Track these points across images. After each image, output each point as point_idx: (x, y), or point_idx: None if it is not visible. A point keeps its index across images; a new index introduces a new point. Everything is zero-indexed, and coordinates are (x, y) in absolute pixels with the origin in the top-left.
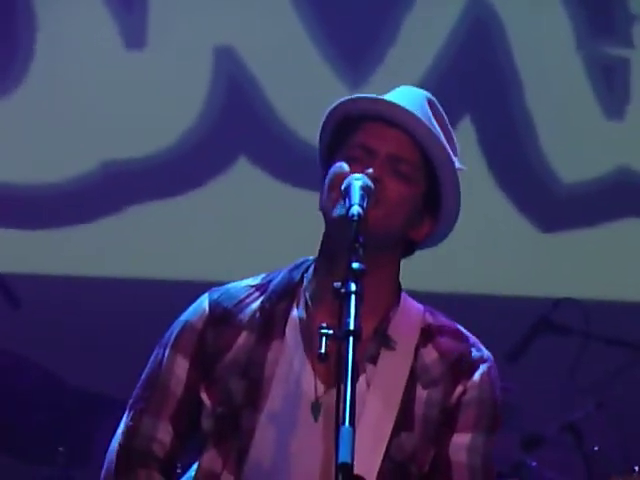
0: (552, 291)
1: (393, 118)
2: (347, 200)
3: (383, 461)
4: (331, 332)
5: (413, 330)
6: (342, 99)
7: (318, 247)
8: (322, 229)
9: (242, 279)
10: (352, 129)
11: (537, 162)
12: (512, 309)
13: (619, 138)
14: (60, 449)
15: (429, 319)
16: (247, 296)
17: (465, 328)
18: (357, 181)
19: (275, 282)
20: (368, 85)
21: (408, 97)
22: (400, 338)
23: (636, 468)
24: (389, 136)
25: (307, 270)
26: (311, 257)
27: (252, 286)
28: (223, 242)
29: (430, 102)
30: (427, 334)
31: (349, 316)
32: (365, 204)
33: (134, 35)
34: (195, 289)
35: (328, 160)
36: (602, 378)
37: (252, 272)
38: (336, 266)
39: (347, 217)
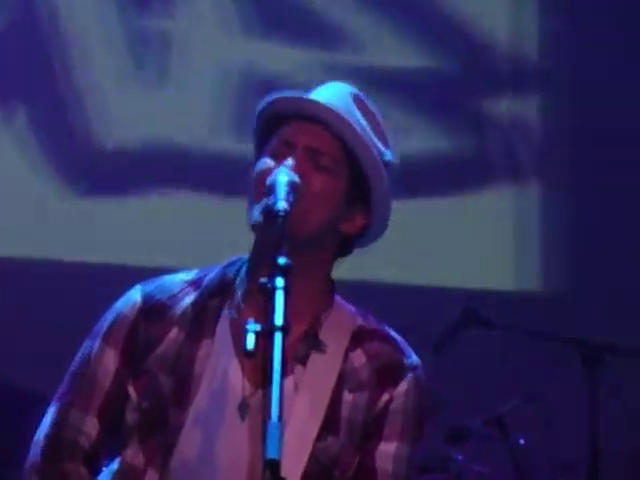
0: None
1: (313, 114)
2: (273, 195)
3: (309, 464)
4: (258, 328)
5: (344, 334)
6: (266, 99)
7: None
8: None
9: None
10: (277, 128)
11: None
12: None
13: (161, 109)
14: None
15: (360, 322)
16: (180, 291)
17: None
18: (283, 176)
19: (209, 279)
20: None
21: (331, 93)
22: (331, 342)
23: None
24: (308, 130)
25: (241, 268)
26: (246, 255)
27: (185, 281)
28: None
29: (355, 97)
30: (357, 338)
31: (276, 311)
32: (291, 199)
33: None
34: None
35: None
36: (528, 371)
37: None
38: (264, 263)
39: (273, 212)
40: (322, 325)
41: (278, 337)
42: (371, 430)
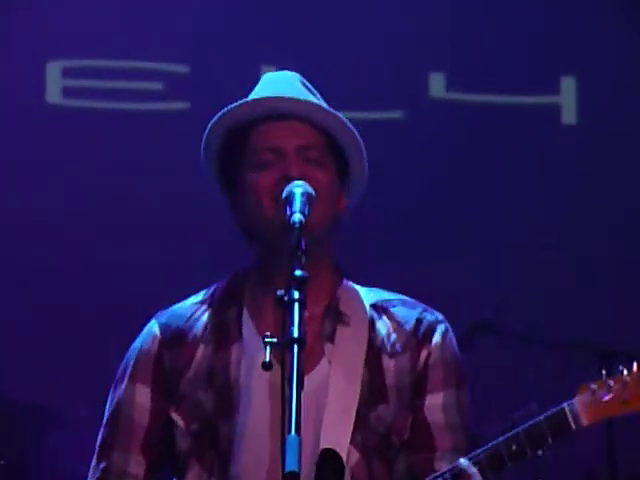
0: None
1: (290, 112)
2: (288, 208)
3: (365, 435)
4: (275, 340)
5: (361, 304)
6: (227, 108)
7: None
8: None
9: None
10: (245, 135)
11: None
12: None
13: None
14: (1, 462)
15: (375, 296)
16: (194, 312)
17: None
18: (298, 188)
19: (219, 293)
20: None
21: (285, 84)
22: (352, 312)
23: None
24: (290, 130)
25: (247, 276)
26: (245, 263)
27: (196, 303)
28: None
29: (302, 82)
30: (379, 308)
31: (293, 324)
32: (307, 210)
33: None
34: None
35: (226, 172)
36: (544, 378)
37: None
38: (278, 274)
39: (289, 224)
40: (340, 299)
41: (295, 350)
42: (417, 388)
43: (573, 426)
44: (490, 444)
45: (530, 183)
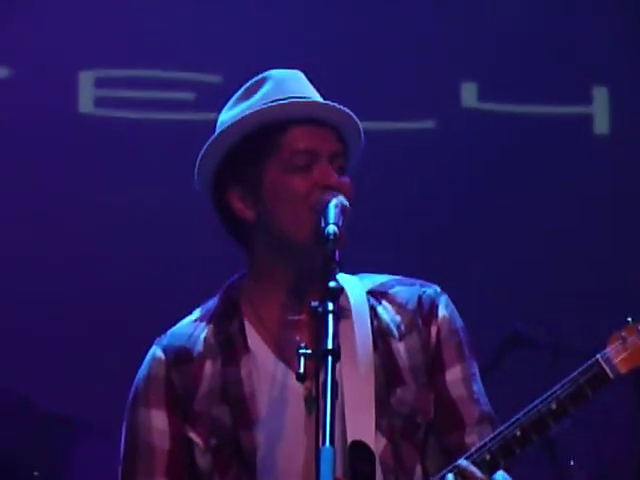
0: None
1: (323, 118)
2: (323, 219)
3: (391, 420)
4: (309, 352)
5: (357, 292)
6: (260, 107)
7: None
8: None
9: None
10: (274, 134)
11: None
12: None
13: None
14: (35, 473)
15: (367, 282)
16: (194, 330)
17: None
18: (334, 200)
19: (215, 307)
20: None
21: (303, 84)
22: (349, 304)
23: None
24: (325, 136)
25: (240, 286)
26: (234, 277)
27: (194, 320)
28: None
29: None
30: (377, 294)
31: (327, 335)
32: (341, 222)
33: None
34: None
35: (240, 169)
36: None
37: None
38: (313, 285)
39: (323, 236)
40: None
41: (329, 361)
42: (433, 365)
43: (611, 375)
44: (529, 406)
45: (561, 193)
